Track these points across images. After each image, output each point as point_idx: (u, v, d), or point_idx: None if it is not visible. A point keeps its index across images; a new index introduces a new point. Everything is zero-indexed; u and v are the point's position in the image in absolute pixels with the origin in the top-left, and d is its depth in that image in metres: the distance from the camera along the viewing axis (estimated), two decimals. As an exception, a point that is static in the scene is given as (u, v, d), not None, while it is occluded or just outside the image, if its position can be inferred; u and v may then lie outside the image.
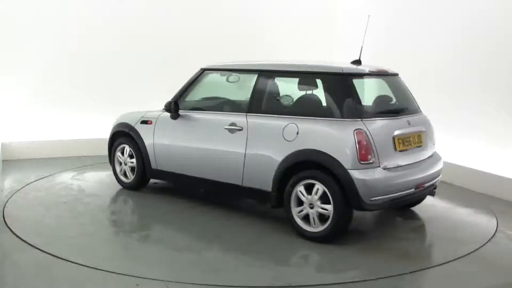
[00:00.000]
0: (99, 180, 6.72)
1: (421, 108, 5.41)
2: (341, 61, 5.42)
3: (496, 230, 5.08)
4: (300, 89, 5.09)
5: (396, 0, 8.50)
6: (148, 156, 5.94)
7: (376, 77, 5.36)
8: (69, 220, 5.13)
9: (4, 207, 5.40)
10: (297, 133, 4.67)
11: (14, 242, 4.48)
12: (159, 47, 8.66)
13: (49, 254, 4.20)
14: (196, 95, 5.88)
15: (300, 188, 4.61)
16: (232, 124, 5.13)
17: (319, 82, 4.88)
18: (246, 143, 5.00)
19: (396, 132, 4.69)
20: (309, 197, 4.56)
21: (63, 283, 3.76)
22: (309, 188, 4.58)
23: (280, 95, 5.12)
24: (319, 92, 4.89)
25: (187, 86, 5.79)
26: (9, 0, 7.82)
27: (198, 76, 5.77)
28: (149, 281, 3.77)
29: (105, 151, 7.55)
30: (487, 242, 4.77)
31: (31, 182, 6.47)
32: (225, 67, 5.70)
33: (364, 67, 5.02)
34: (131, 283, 3.73)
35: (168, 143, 5.75)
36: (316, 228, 4.56)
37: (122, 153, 6.26)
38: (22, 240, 4.50)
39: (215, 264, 4.12)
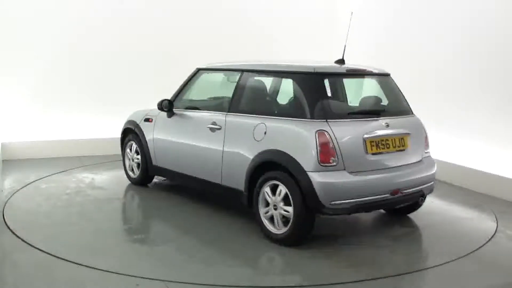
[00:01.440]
0: (99, 180, 6.72)
1: (414, 110, 5.21)
2: (326, 61, 5.28)
3: (496, 230, 5.08)
4: (273, 89, 5.09)
5: (396, 0, 8.50)
6: (149, 152, 6.09)
7: (359, 77, 5.29)
8: (69, 220, 5.13)
9: (4, 207, 5.40)
10: (265, 133, 4.65)
11: (14, 242, 4.48)
12: (159, 47, 8.66)
13: (49, 254, 4.20)
14: (191, 94, 5.95)
15: (267, 189, 4.56)
16: (213, 123, 5.19)
17: (290, 81, 4.82)
18: (224, 142, 5.04)
19: (368, 135, 4.48)
20: (274, 198, 4.51)
21: (63, 283, 3.76)
22: (275, 189, 4.52)
23: (258, 94, 5.15)
24: (290, 92, 4.84)
25: (183, 85, 5.92)
26: (9, 0, 7.82)
27: (193, 76, 5.87)
28: (149, 281, 3.77)
29: (105, 151, 7.55)
30: (487, 242, 4.77)
31: (31, 182, 6.47)
32: (219, 67, 5.75)
33: (343, 67, 4.88)
34: (131, 283, 3.73)
35: (163, 141, 5.91)
36: (280, 230, 4.49)
37: (131, 150, 6.46)
38: (22, 240, 4.50)
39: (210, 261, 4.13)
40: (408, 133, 4.83)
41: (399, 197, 4.60)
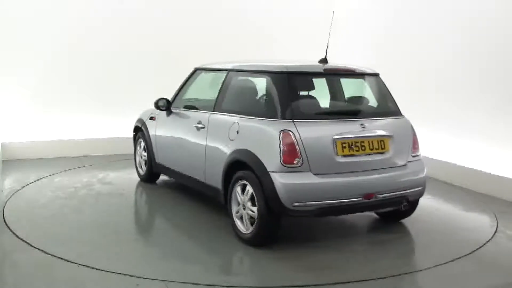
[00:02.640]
0: (99, 180, 6.72)
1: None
2: (311, 60, 5.19)
3: (496, 230, 5.08)
4: (249, 88, 5.10)
5: (396, 0, 8.50)
6: (152, 150, 6.20)
7: (339, 76, 5.19)
8: (69, 220, 5.13)
9: (4, 207, 5.40)
10: (237, 132, 4.67)
11: (14, 242, 4.48)
12: (159, 47, 8.66)
13: (49, 254, 4.20)
14: (189, 93, 6.00)
15: (238, 188, 4.55)
16: (199, 122, 5.27)
17: (264, 81, 4.80)
18: (206, 141, 5.10)
19: (339, 136, 4.35)
20: (242, 197, 4.50)
21: (63, 283, 3.76)
22: (244, 189, 4.49)
23: (237, 94, 5.18)
24: (264, 91, 4.83)
25: (182, 84, 6.01)
26: (9, 0, 7.82)
27: (191, 75, 5.95)
28: (149, 281, 3.77)
29: (105, 151, 7.57)
30: (487, 242, 4.76)
31: (31, 182, 6.47)
32: (214, 67, 5.77)
33: (320, 66, 4.83)
34: (131, 283, 3.73)
35: (162, 139, 6.04)
36: (247, 230, 4.47)
37: (140, 147, 6.59)
38: (22, 240, 4.50)
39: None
40: (390, 136, 4.63)
41: (374, 201, 4.44)
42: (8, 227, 4.81)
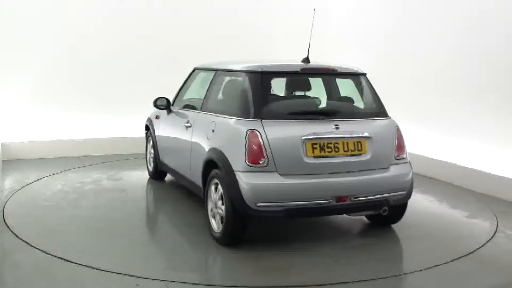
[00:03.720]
0: (100, 180, 6.72)
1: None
2: (294, 59, 5.11)
3: (496, 230, 5.07)
4: (227, 88, 5.12)
5: (396, 0, 8.50)
6: (157, 148, 6.32)
7: (319, 76, 5.13)
8: (69, 220, 5.13)
9: (4, 207, 5.40)
10: (213, 131, 4.70)
11: (14, 242, 4.48)
12: (159, 47, 8.67)
13: (49, 254, 4.20)
14: (188, 93, 6.04)
15: (212, 187, 4.55)
16: (187, 121, 5.35)
17: (240, 80, 4.80)
18: (191, 140, 5.16)
19: (309, 136, 4.26)
20: (215, 196, 4.52)
21: (63, 283, 3.75)
22: (217, 188, 4.49)
23: (218, 93, 5.21)
24: (239, 91, 4.80)
25: (182, 84, 6.08)
26: (9, 0, 7.83)
27: (190, 75, 6.00)
28: (149, 281, 3.77)
29: (105, 151, 7.57)
30: (487, 242, 4.76)
31: (31, 182, 6.47)
32: (207, 66, 5.78)
33: (296, 65, 4.78)
34: (131, 283, 3.73)
35: (162, 137, 6.20)
36: (218, 229, 4.48)
37: (149, 145, 6.73)
38: (22, 240, 4.50)
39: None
40: (368, 137, 4.48)
41: (349, 204, 4.34)
42: (8, 227, 4.81)
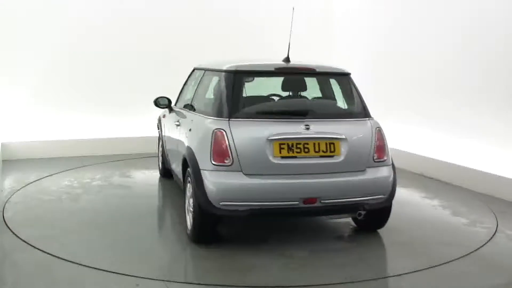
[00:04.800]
0: (100, 180, 6.72)
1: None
2: (275, 59, 5.06)
3: (496, 230, 5.07)
4: (207, 87, 5.16)
5: (396, 0, 8.50)
6: (163, 146, 6.45)
7: (297, 75, 5.07)
8: (69, 220, 5.13)
9: (4, 207, 5.40)
10: (190, 130, 4.78)
11: (14, 242, 4.48)
12: (159, 47, 8.66)
13: (49, 254, 4.20)
14: (187, 92, 6.03)
15: (188, 185, 4.59)
16: (177, 120, 5.44)
17: (217, 80, 4.83)
18: (178, 138, 5.25)
19: (276, 136, 4.19)
20: (188, 194, 4.57)
21: (63, 283, 3.76)
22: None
23: (201, 92, 5.28)
24: (215, 90, 4.87)
25: (184, 83, 6.12)
26: (9, 0, 7.82)
27: (190, 75, 6.02)
28: (149, 281, 3.77)
29: (105, 151, 7.56)
30: (487, 242, 4.76)
31: (31, 182, 6.47)
32: (201, 66, 5.78)
33: (271, 65, 4.77)
34: (131, 283, 3.73)
35: (164, 136, 6.33)
36: (190, 226, 4.55)
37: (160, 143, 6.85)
38: (22, 240, 4.50)
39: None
40: (342, 138, 4.34)
41: (319, 207, 4.26)
42: (8, 227, 4.82)
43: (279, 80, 5.29)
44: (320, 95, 5.25)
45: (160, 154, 6.83)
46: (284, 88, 5.21)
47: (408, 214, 5.61)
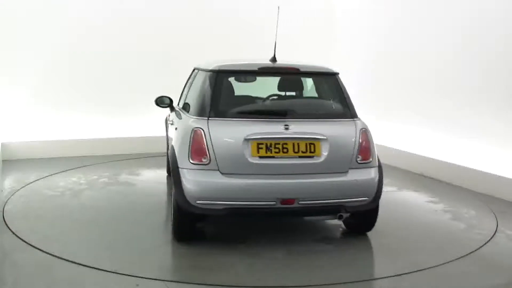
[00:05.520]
0: (100, 180, 6.72)
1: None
2: (262, 59, 5.06)
3: (496, 230, 5.08)
4: (194, 87, 5.15)
5: (396, 0, 8.50)
6: (167, 144, 6.46)
7: (279, 75, 5.08)
8: (69, 220, 5.14)
9: (4, 207, 5.40)
10: (176, 129, 4.84)
11: (14, 242, 4.48)
12: (160, 47, 8.66)
13: (49, 254, 4.20)
14: (185, 92, 6.01)
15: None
16: (172, 119, 5.52)
17: (202, 80, 4.84)
18: (169, 137, 5.34)
19: (253, 136, 4.17)
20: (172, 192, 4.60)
21: (63, 283, 3.76)
22: None
23: (189, 92, 5.32)
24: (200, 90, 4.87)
25: (185, 83, 6.07)
26: (9, 0, 7.82)
27: (191, 74, 5.99)
28: (149, 281, 3.77)
29: (105, 151, 7.54)
30: (487, 242, 4.76)
31: (31, 182, 6.47)
32: (198, 66, 5.75)
33: (254, 64, 4.78)
34: (131, 283, 3.73)
35: (168, 135, 6.36)
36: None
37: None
38: (22, 240, 4.50)
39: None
40: (323, 139, 4.28)
41: (297, 207, 4.22)
42: (8, 227, 4.82)
43: (272, 80, 5.30)
44: (307, 95, 5.28)
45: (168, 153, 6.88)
46: (279, 88, 5.25)
47: (406, 215, 5.62)
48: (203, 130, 4.21)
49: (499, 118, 6.51)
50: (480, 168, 6.59)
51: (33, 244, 4.40)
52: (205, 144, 4.17)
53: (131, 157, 8.10)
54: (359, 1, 9.37)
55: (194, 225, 4.47)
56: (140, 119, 8.33)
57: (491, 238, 4.87)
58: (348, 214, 4.50)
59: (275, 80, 5.36)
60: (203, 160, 4.17)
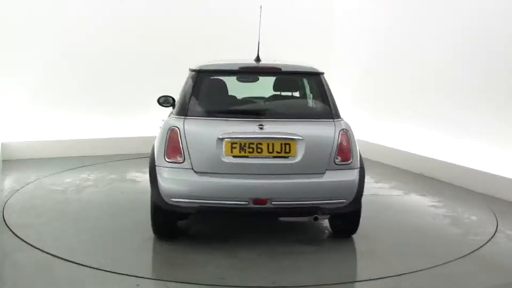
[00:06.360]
0: (100, 180, 6.72)
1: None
2: (248, 59, 5.07)
3: (496, 230, 5.08)
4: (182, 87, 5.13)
5: (396, 0, 8.50)
6: None
7: (260, 75, 5.04)
8: (69, 220, 5.14)
9: (4, 207, 5.40)
10: (160, 127, 4.80)
11: (14, 242, 4.48)
12: (160, 47, 8.66)
13: (49, 254, 4.20)
14: None
15: None
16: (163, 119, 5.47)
17: (186, 79, 4.86)
18: None
19: (227, 136, 4.18)
20: None
21: (63, 283, 3.76)
22: None
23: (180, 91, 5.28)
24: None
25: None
26: (9, 0, 7.82)
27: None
28: (149, 281, 3.77)
29: (105, 151, 7.53)
30: (487, 242, 4.77)
31: (31, 182, 6.47)
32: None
33: (234, 64, 4.78)
34: (131, 283, 3.73)
35: None
36: None
37: None
38: (22, 240, 4.50)
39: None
40: (298, 139, 4.23)
41: (270, 208, 4.17)
42: (8, 227, 4.81)
43: (264, 81, 5.29)
44: (294, 94, 5.26)
45: None
46: (274, 89, 5.22)
47: (404, 215, 5.62)
48: (179, 129, 4.27)
49: (499, 118, 6.52)
50: (480, 168, 6.60)
51: (33, 244, 4.40)
52: (180, 142, 4.23)
53: (131, 157, 8.09)
54: (359, 1, 9.37)
55: (174, 222, 4.56)
56: (140, 119, 8.32)
57: (491, 238, 4.87)
58: (327, 216, 4.45)
59: (264, 81, 5.35)
60: (178, 158, 4.23)
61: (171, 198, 4.20)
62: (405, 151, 7.82)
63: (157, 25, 8.66)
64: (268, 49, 9.14)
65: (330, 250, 4.59)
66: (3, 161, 7.47)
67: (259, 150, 4.21)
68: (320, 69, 4.78)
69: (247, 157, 4.21)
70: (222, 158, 4.19)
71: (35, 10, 7.94)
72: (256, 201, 4.15)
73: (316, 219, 4.29)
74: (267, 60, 4.99)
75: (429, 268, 4.16)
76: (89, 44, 8.31)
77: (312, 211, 4.25)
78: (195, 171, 4.20)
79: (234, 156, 4.20)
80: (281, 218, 4.44)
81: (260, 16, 5.28)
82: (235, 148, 4.19)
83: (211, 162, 4.20)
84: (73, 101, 8.30)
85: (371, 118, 8.86)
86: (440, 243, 4.76)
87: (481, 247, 4.63)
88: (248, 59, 4.97)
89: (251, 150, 4.20)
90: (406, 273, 4.04)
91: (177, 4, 8.83)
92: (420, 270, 4.12)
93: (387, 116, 8.49)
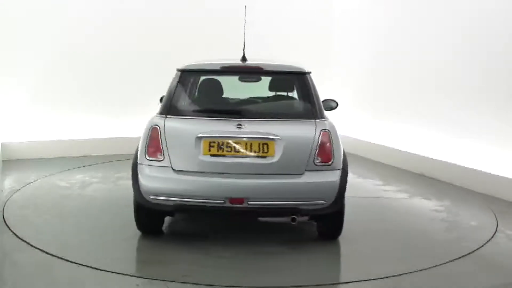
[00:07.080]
0: (100, 180, 6.72)
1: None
2: (234, 58, 5.05)
3: (496, 230, 5.08)
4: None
5: (396, 0, 8.50)
6: None
7: (244, 74, 5.15)
8: (69, 220, 5.14)
9: (4, 207, 5.40)
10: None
11: (14, 242, 4.48)
12: (160, 47, 8.65)
13: (49, 254, 4.20)
14: None
15: None
16: None
17: (173, 79, 4.86)
18: None
19: (204, 134, 4.21)
20: None
21: (63, 283, 3.76)
22: None
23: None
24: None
25: None
26: (9, 0, 7.82)
27: None
28: (149, 281, 3.77)
29: (105, 151, 7.52)
30: (487, 242, 4.76)
31: (31, 182, 6.47)
32: None
33: (217, 64, 4.79)
34: (131, 283, 3.73)
35: None
36: None
37: None
38: (22, 240, 4.50)
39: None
40: (276, 139, 4.20)
41: (246, 207, 4.16)
42: (8, 227, 4.81)
43: (267, 80, 5.29)
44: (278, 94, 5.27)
45: None
46: (269, 89, 5.26)
47: (403, 215, 5.62)
48: (159, 127, 4.32)
49: (499, 118, 6.52)
50: (480, 168, 6.60)
51: (33, 244, 4.39)
52: (160, 141, 4.29)
53: (131, 157, 8.07)
54: (359, 1, 9.37)
55: (158, 219, 4.63)
56: (140, 119, 8.30)
57: (491, 238, 4.87)
58: (305, 218, 4.41)
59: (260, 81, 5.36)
60: (158, 156, 4.29)
61: (150, 195, 4.26)
62: (405, 151, 7.82)
63: (157, 25, 8.66)
64: (268, 49, 9.22)
65: (315, 252, 4.45)
66: (3, 161, 7.47)
67: (237, 149, 4.24)
68: (306, 68, 4.74)
69: (224, 156, 4.24)
70: (200, 157, 4.23)
71: (35, 10, 7.94)
72: (233, 200, 4.16)
73: (294, 220, 4.24)
74: (256, 60, 4.96)
75: (429, 268, 4.15)
76: (89, 44, 8.31)
77: (290, 211, 4.23)
78: (174, 170, 4.25)
79: (211, 155, 4.23)
80: (260, 218, 4.49)
81: (245, 16, 5.39)
82: (212, 147, 4.23)
83: (190, 161, 4.25)
84: (73, 101, 8.30)
85: (371, 118, 8.87)
86: (440, 243, 4.76)
87: (481, 247, 4.63)
88: (236, 59, 4.97)
89: (228, 149, 4.24)
90: (406, 273, 4.04)
91: (177, 4, 8.83)
92: (420, 270, 4.12)
93: (387, 116, 8.49)
